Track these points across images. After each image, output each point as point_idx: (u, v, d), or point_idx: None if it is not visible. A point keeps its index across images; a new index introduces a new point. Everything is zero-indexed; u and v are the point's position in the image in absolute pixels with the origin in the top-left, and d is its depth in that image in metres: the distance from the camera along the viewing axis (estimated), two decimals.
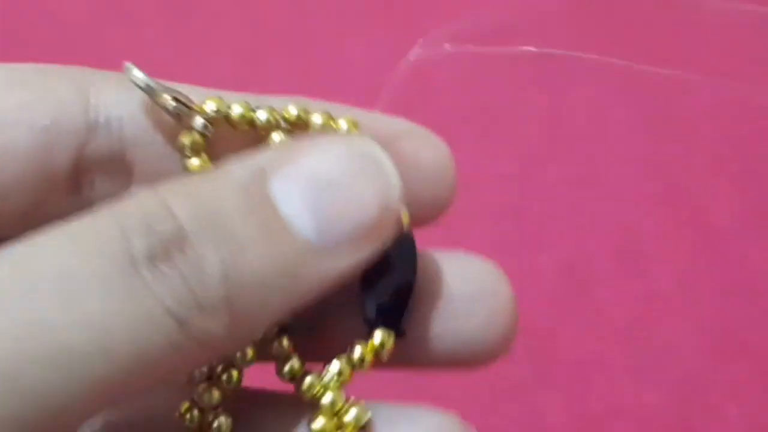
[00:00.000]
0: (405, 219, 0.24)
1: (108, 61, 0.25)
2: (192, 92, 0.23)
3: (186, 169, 0.23)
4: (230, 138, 0.24)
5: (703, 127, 0.43)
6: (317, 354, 0.24)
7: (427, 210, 0.24)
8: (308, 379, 0.23)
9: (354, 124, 0.23)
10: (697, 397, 0.39)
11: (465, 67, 0.44)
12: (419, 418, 0.24)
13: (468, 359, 0.24)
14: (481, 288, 0.24)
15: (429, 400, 0.25)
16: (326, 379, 0.24)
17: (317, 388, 0.23)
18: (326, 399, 0.23)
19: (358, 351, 0.24)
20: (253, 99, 0.24)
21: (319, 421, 0.23)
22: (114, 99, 0.23)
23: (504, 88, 0.43)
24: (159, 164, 0.23)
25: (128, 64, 0.23)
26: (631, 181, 0.42)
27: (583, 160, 0.43)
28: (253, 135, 0.24)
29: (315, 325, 0.24)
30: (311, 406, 0.23)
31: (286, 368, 0.23)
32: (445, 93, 0.44)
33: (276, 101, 0.24)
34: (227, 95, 0.24)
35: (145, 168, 0.23)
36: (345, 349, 0.24)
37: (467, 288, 0.24)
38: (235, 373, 0.23)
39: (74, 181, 0.23)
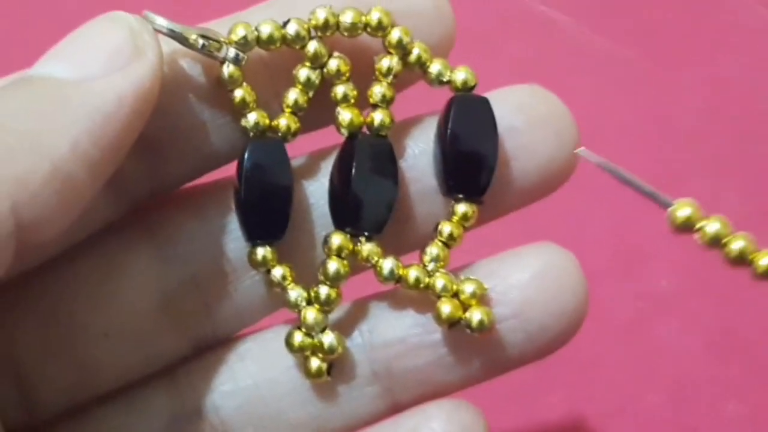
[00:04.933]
0: (471, 77, 0.23)
1: None
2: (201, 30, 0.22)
3: (233, 102, 0.22)
4: (264, 62, 0.23)
5: (704, 127, 0.43)
6: (402, 250, 0.24)
7: (434, 50, 0.24)
8: (413, 274, 0.23)
9: (386, 14, 0.22)
10: (697, 397, 0.39)
11: None
12: (520, 259, 0.24)
13: (546, 187, 0.24)
14: (540, 112, 0.24)
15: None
16: (430, 267, 0.23)
17: (424, 279, 0.23)
18: (439, 285, 0.23)
19: (447, 229, 0.23)
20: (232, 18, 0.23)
21: (446, 307, 0.22)
22: None
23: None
24: (187, 133, 0.23)
25: (147, 13, 0.21)
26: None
27: (582, 158, 0.43)
28: (285, 53, 0.23)
29: (387, 222, 0.23)
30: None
31: (386, 271, 0.23)
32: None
33: (260, 12, 0.23)
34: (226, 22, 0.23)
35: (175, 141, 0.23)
36: (424, 237, 0.23)
37: (529, 118, 0.24)
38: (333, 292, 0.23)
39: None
